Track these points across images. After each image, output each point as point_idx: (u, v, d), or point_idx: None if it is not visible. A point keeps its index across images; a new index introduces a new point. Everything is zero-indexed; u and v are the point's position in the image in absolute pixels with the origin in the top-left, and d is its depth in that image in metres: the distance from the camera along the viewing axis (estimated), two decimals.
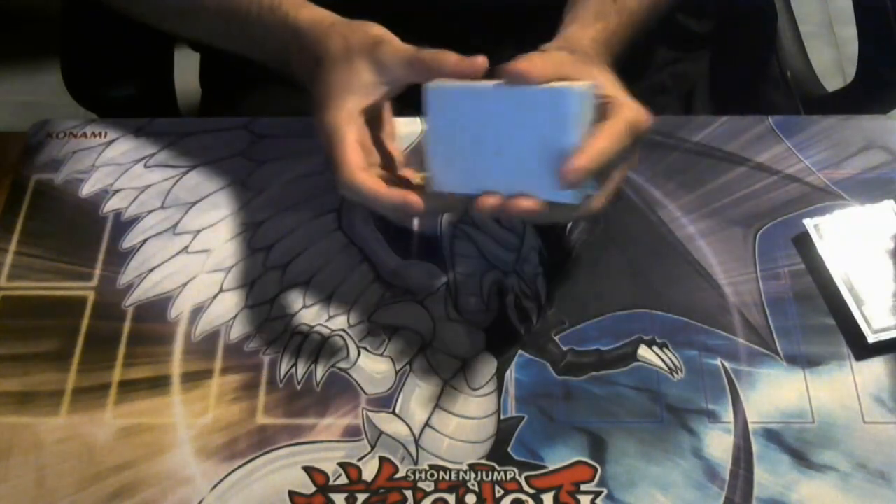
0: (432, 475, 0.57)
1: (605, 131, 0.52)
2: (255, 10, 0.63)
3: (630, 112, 0.54)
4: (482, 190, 0.53)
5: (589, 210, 0.55)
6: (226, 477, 0.57)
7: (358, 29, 0.58)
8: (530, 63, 0.52)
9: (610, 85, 0.56)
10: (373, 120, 0.58)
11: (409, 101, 0.58)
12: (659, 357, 0.61)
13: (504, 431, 0.59)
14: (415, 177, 0.57)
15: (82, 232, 0.67)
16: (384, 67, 0.56)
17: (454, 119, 0.53)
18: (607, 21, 0.63)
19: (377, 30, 0.58)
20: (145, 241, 0.66)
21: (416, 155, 0.65)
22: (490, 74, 0.53)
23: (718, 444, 0.58)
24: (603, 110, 0.54)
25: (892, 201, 0.66)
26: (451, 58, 0.53)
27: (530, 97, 0.52)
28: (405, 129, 0.70)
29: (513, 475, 0.57)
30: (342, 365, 0.61)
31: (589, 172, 0.51)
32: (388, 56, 0.56)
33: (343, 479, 0.57)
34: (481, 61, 0.53)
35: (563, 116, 0.51)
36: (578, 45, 0.60)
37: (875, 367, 0.60)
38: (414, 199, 0.53)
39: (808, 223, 0.65)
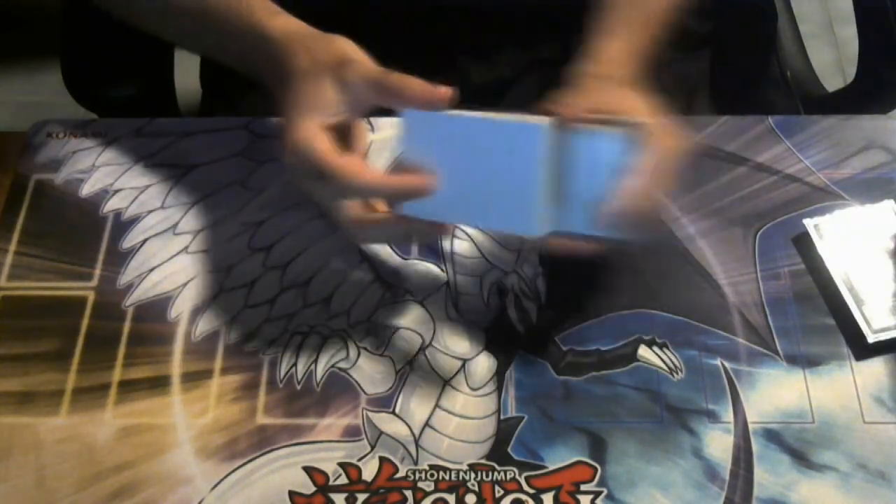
0: (432, 475, 0.57)
1: (639, 170, 0.53)
2: (225, 14, 0.62)
3: (665, 142, 0.54)
4: (449, 218, 0.55)
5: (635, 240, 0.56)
6: (226, 477, 0.57)
7: (327, 45, 0.57)
8: (569, 108, 0.54)
9: (642, 110, 0.56)
10: (342, 138, 0.57)
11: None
12: (659, 357, 0.61)
13: (504, 431, 0.59)
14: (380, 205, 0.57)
15: (82, 232, 0.67)
16: (349, 87, 0.55)
17: (427, 145, 0.54)
18: (635, 33, 0.63)
19: (345, 47, 0.57)
20: (145, 241, 0.66)
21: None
22: (492, 70, 0.54)
23: (718, 444, 0.58)
24: (639, 137, 0.54)
25: (892, 201, 0.66)
26: (416, 84, 0.53)
27: (502, 129, 0.53)
28: (391, 132, 0.70)
29: (513, 475, 0.57)
30: (342, 365, 0.61)
31: (625, 214, 0.53)
32: (353, 76, 0.55)
33: (343, 479, 0.57)
34: (445, 90, 0.53)
35: (531, 151, 0.53)
36: (607, 66, 0.60)
37: (875, 367, 0.60)
38: (423, 178, 0.53)
39: (808, 223, 0.65)
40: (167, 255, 0.66)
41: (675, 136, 0.55)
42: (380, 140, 0.70)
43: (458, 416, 0.59)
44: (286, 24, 0.60)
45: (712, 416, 0.59)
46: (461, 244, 0.66)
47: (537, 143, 0.52)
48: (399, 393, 0.60)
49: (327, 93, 0.55)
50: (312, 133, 0.54)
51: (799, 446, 0.57)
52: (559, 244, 0.54)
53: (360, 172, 0.54)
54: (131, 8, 0.70)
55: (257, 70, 0.62)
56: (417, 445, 0.58)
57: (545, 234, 0.54)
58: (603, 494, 0.56)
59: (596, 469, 0.57)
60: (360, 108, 0.57)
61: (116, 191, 0.69)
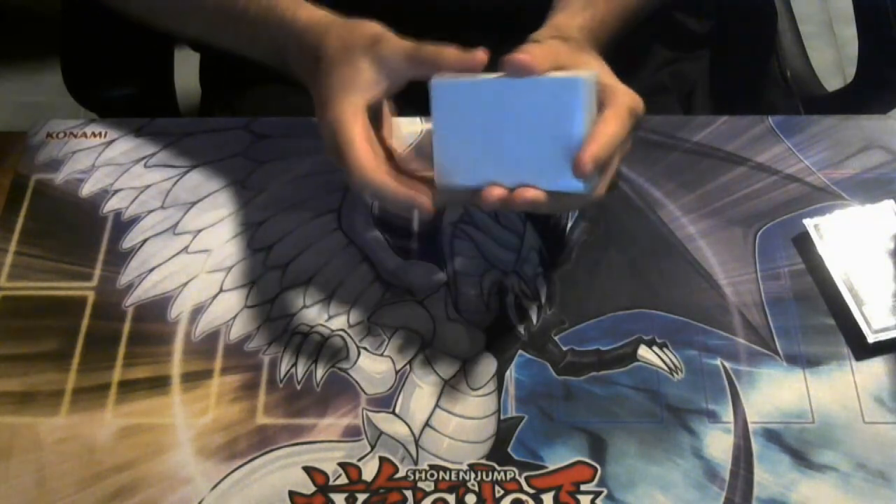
0: (432, 475, 0.57)
1: (610, 118, 0.53)
2: (252, 9, 0.63)
3: (627, 98, 0.55)
4: (488, 183, 0.54)
5: (592, 199, 0.55)
6: (226, 477, 0.57)
7: (356, 27, 0.58)
8: (530, 54, 0.53)
9: (603, 72, 0.57)
10: (373, 117, 0.58)
11: (409, 100, 0.58)
12: (659, 357, 0.61)
13: (504, 431, 0.59)
14: (425, 172, 0.57)
15: (82, 232, 0.67)
16: (385, 63, 0.56)
17: (459, 113, 0.54)
18: (595, 10, 0.63)
19: (375, 28, 0.58)
20: (145, 241, 0.66)
21: (419, 152, 0.65)
22: (491, 68, 0.54)
23: (718, 444, 0.58)
24: (599, 98, 0.54)
25: (892, 201, 0.66)
26: (451, 52, 0.53)
27: (536, 88, 0.52)
28: (406, 129, 0.70)
29: (513, 475, 0.57)
30: (342, 365, 0.61)
31: (601, 160, 0.52)
32: (388, 52, 0.56)
33: (343, 479, 0.57)
34: (481, 55, 0.53)
35: (570, 106, 0.52)
36: (568, 34, 0.61)
37: (875, 367, 0.60)
38: (423, 199, 0.53)
39: (808, 223, 0.65)
40: (167, 255, 0.66)
41: (633, 96, 0.55)
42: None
43: (458, 416, 0.59)
44: (312, 14, 0.61)
45: (712, 416, 0.59)
46: (461, 244, 0.66)
47: (579, 97, 0.51)
48: (399, 393, 0.60)
49: (365, 72, 0.56)
50: (352, 114, 0.55)
51: (799, 446, 0.57)
52: (496, 196, 0.53)
53: (374, 174, 0.54)
54: (151, 7, 0.70)
55: (287, 64, 0.62)
56: (417, 445, 0.58)
57: (590, 189, 0.53)
58: (603, 494, 0.56)
59: (596, 469, 0.57)
60: (396, 85, 0.57)
61: (116, 191, 0.69)
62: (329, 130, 0.56)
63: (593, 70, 0.55)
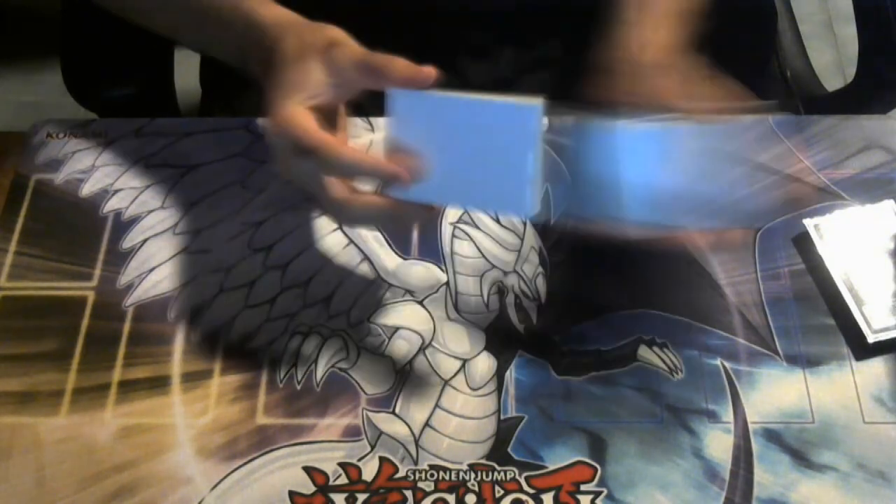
0: (432, 475, 0.57)
1: None
2: (216, 4, 0.62)
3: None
4: (438, 199, 0.54)
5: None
6: (226, 477, 0.57)
7: (316, 30, 0.57)
8: (612, 92, 0.53)
9: (683, 95, 0.56)
10: (327, 123, 0.57)
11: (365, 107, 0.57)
12: (659, 357, 0.61)
13: (504, 431, 0.59)
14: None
15: (82, 232, 0.67)
16: (336, 68, 0.55)
17: (415, 126, 0.53)
18: (663, 21, 0.62)
19: (336, 32, 0.57)
20: (145, 241, 0.66)
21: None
22: (491, 67, 0.53)
23: (718, 444, 0.58)
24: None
25: (892, 201, 0.66)
26: (401, 64, 0.53)
27: (494, 110, 0.52)
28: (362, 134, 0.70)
29: (513, 475, 0.57)
30: (342, 365, 0.61)
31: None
32: (340, 57, 0.55)
33: (343, 479, 0.57)
34: (429, 71, 0.52)
35: (525, 131, 0.51)
36: (645, 49, 0.60)
37: (875, 367, 0.60)
38: (402, 170, 0.52)
39: (808, 223, 0.65)
40: (167, 255, 0.66)
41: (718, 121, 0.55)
42: (380, 140, 0.70)
43: (458, 416, 0.59)
44: (277, 13, 0.60)
45: (712, 416, 0.59)
46: (461, 244, 0.66)
47: (531, 122, 0.51)
48: (399, 393, 0.60)
49: (314, 74, 0.55)
50: (298, 111, 0.54)
51: (799, 446, 0.57)
52: (627, 231, 0.53)
53: (344, 149, 0.53)
54: (124, 1, 0.70)
55: (246, 59, 0.61)
56: (417, 445, 0.58)
57: (535, 214, 0.53)
58: (603, 494, 0.56)
59: (596, 469, 0.57)
60: (346, 91, 0.56)
61: (116, 191, 0.69)
62: (283, 128, 0.54)
63: (674, 98, 0.55)
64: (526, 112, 0.51)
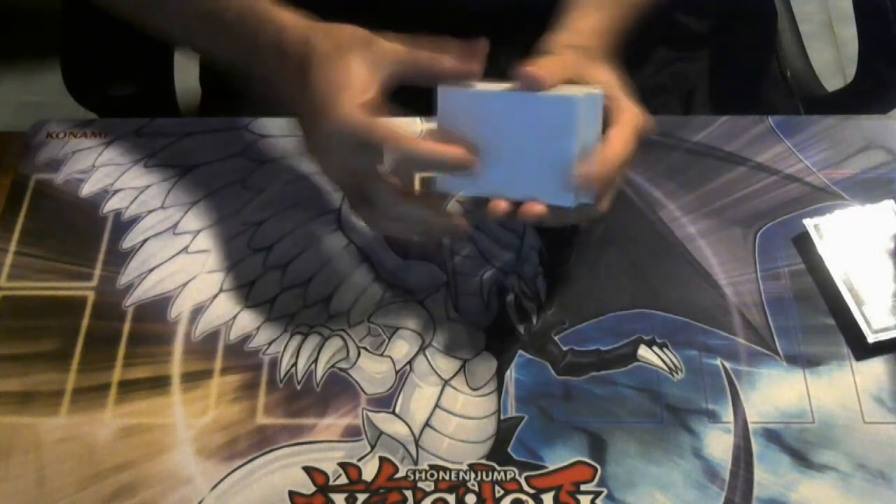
0: (432, 475, 0.57)
1: (615, 139, 0.55)
2: (222, 6, 0.61)
3: (635, 118, 0.56)
4: (486, 192, 0.55)
5: (592, 215, 0.57)
6: (226, 477, 0.57)
7: (344, 28, 0.57)
8: (542, 68, 0.54)
9: (614, 85, 0.58)
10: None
11: (404, 101, 0.58)
12: (659, 357, 0.61)
13: (504, 431, 0.59)
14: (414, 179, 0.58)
15: (82, 232, 0.67)
16: (379, 64, 0.55)
17: (463, 121, 0.54)
18: (608, 10, 0.64)
19: (364, 30, 0.57)
20: (145, 241, 0.66)
21: None
22: (490, 67, 0.54)
23: (718, 444, 0.58)
24: (607, 112, 0.55)
25: (892, 201, 0.66)
26: (447, 61, 0.53)
27: (537, 103, 0.53)
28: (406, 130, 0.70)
29: (513, 475, 0.57)
30: (342, 365, 0.61)
31: (602, 180, 0.54)
32: (382, 53, 0.55)
33: (343, 479, 0.57)
34: (477, 66, 0.53)
35: (565, 124, 0.53)
36: (581, 37, 0.61)
37: (875, 367, 0.60)
38: (467, 156, 0.53)
39: (808, 223, 0.65)
40: (167, 255, 0.66)
41: (641, 115, 0.56)
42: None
43: (458, 416, 0.59)
44: (295, 17, 0.59)
45: (712, 416, 0.59)
46: (461, 244, 0.66)
47: (573, 114, 0.53)
48: (399, 393, 0.60)
49: (359, 71, 0.55)
50: (355, 107, 0.53)
51: (799, 446, 0.57)
52: (501, 209, 0.54)
53: (413, 139, 0.54)
54: (133, 8, 0.70)
55: (262, 64, 0.60)
56: (417, 445, 0.58)
57: (576, 205, 0.55)
58: (603, 494, 0.56)
59: (596, 469, 0.57)
60: (387, 87, 0.56)
61: (116, 191, 0.69)
62: (344, 126, 0.53)
63: (602, 83, 0.56)
64: (567, 103, 0.53)
